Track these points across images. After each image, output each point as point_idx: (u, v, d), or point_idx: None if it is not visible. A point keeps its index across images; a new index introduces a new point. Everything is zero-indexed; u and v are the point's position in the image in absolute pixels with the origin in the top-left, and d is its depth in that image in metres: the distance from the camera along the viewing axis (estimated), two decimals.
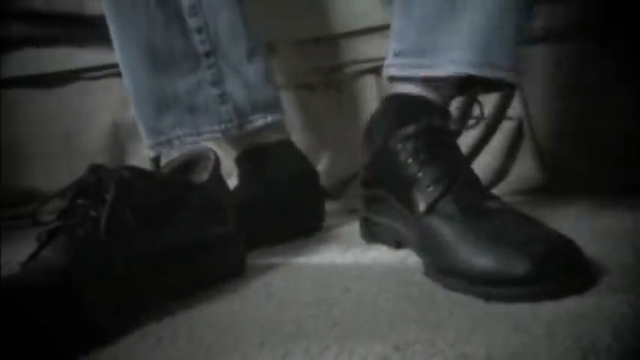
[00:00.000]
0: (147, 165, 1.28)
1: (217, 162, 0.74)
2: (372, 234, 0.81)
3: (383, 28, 1.11)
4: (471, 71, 0.69)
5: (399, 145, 0.69)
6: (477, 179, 0.69)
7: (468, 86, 0.73)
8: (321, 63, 1.14)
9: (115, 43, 0.90)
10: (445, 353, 0.45)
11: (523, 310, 0.52)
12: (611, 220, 0.80)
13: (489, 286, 0.56)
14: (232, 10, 0.90)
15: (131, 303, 0.59)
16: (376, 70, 1.13)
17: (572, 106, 1.06)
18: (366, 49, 1.12)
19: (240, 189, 0.92)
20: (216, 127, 0.89)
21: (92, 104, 1.28)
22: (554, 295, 0.53)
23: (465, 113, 0.95)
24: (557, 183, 1.06)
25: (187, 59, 0.89)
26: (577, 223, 0.78)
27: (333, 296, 0.61)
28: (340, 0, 1.11)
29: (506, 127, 1.07)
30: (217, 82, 0.89)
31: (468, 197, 0.64)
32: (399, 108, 0.73)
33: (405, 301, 0.57)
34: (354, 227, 0.96)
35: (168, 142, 0.90)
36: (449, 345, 0.46)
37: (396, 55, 0.73)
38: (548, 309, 0.51)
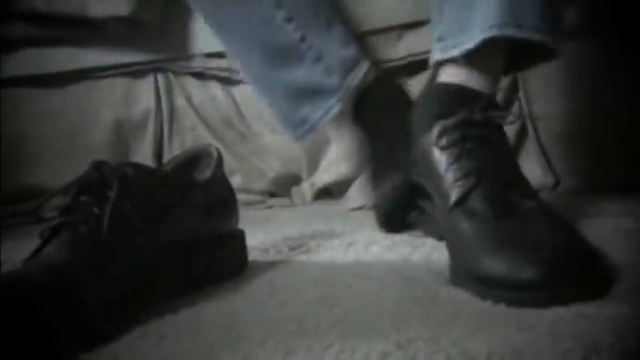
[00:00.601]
0: (150, 162, 1.28)
1: (220, 159, 0.74)
2: (420, 221, 0.83)
3: (404, 27, 1.11)
4: (496, 32, 0.69)
5: (436, 139, 0.69)
6: (516, 175, 0.68)
7: (510, 63, 0.75)
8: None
9: (232, 54, 0.99)
10: (448, 351, 0.45)
11: (527, 309, 0.52)
12: (613, 220, 0.80)
13: (496, 290, 0.55)
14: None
15: (132, 301, 0.59)
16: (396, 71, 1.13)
17: (575, 106, 1.06)
18: (386, 48, 1.12)
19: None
20: (335, 99, 0.94)
21: (96, 102, 1.29)
22: (560, 301, 0.52)
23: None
24: (561, 183, 1.06)
25: (291, 49, 0.94)
26: (578, 224, 0.78)
27: (336, 294, 0.61)
28: None
29: (508, 127, 1.07)
30: (319, 58, 0.95)
31: (499, 194, 0.64)
32: (440, 99, 0.72)
33: (407, 299, 0.57)
34: (356, 224, 0.96)
35: (313, 128, 0.96)
36: (451, 343, 0.46)
37: (438, 39, 0.75)
38: (551, 309, 0.51)
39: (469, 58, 0.71)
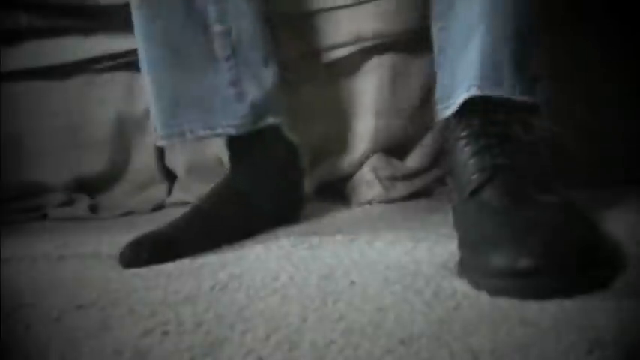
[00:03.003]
0: (152, 157, 1.29)
1: None
2: None
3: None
4: (475, 92, 0.72)
5: (459, 135, 0.72)
6: (539, 172, 0.69)
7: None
8: (317, 43, 1.14)
9: (140, 41, 0.93)
10: (451, 347, 0.45)
11: (529, 303, 0.52)
12: (613, 213, 0.80)
13: (493, 279, 0.55)
14: (255, 18, 0.95)
15: None
16: (385, 49, 1.12)
17: (573, 99, 1.06)
18: (372, 22, 1.11)
19: (231, 174, 0.96)
20: (232, 123, 0.93)
21: (97, 97, 1.28)
22: (556, 289, 0.52)
23: None
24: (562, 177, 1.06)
25: (209, 61, 0.93)
26: None
27: (339, 289, 0.61)
28: None
29: None
30: (235, 82, 0.94)
31: (513, 188, 0.65)
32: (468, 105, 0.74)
33: (410, 294, 0.57)
34: (359, 219, 0.96)
35: (182, 134, 0.93)
36: (455, 338, 0.46)
37: (437, 101, 0.79)
38: (554, 302, 0.51)
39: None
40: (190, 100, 0.92)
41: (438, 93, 0.80)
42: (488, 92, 0.72)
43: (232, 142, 0.97)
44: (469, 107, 0.73)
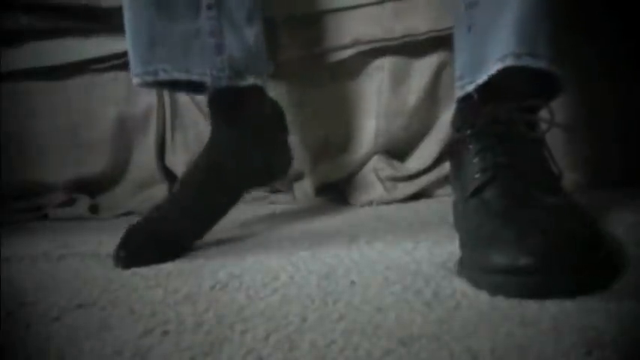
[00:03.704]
0: (152, 158, 1.29)
1: None
2: None
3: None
4: (512, 62, 0.71)
5: (462, 133, 0.73)
6: (540, 173, 0.69)
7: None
8: (318, 45, 1.14)
9: None
10: (451, 347, 0.45)
11: (529, 303, 0.52)
12: (613, 213, 0.80)
13: (494, 276, 0.55)
14: None
15: None
16: (385, 51, 1.12)
17: (575, 99, 1.06)
18: (370, 26, 1.11)
19: (211, 140, 0.94)
20: (208, 72, 0.91)
21: (98, 97, 1.28)
22: (556, 288, 0.52)
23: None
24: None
25: (190, 7, 0.91)
26: None
27: (339, 290, 0.61)
28: None
29: None
30: (215, 33, 0.92)
31: (515, 188, 0.65)
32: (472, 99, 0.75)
33: (410, 294, 0.57)
34: (359, 220, 0.96)
35: (155, 73, 0.91)
36: (454, 339, 0.46)
37: (458, 78, 0.78)
38: (553, 303, 0.51)
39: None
40: (168, 40, 0.90)
41: (460, 70, 0.79)
42: (525, 63, 0.71)
43: (213, 101, 0.95)
44: (476, 102, 0.73)
